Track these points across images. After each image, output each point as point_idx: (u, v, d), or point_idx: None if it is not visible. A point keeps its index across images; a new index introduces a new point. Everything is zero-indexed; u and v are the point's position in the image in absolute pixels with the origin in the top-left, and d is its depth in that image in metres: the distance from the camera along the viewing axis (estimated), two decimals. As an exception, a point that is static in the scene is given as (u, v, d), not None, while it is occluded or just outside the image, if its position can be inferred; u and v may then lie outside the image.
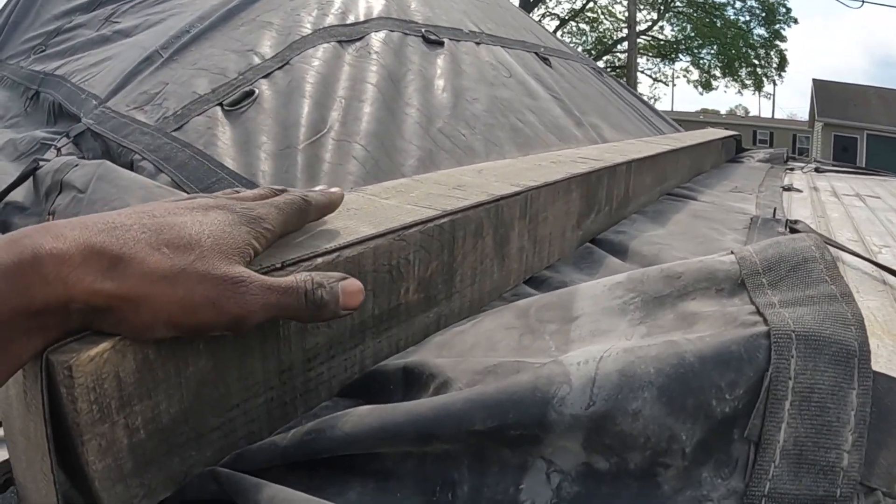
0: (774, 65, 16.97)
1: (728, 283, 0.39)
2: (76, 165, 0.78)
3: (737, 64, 16.87)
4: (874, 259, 0.87)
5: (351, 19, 1.12)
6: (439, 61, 1.16)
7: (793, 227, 1.00)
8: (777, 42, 16.63)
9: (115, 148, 0.84)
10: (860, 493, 0.30)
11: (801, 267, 0.38)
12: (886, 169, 2.54)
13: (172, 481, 0.35)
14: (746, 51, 16.67)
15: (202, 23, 1.07)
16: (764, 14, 16.12)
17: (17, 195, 0.83)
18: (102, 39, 1.28)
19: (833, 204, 1.46)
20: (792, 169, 2.17)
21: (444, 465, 0.34)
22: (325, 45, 1.02)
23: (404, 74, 1.06)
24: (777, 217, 1.10)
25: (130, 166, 0.80)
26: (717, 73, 17.45)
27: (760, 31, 16.53)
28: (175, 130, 0.83)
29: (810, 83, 16.20)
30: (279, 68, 0.94)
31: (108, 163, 0.77)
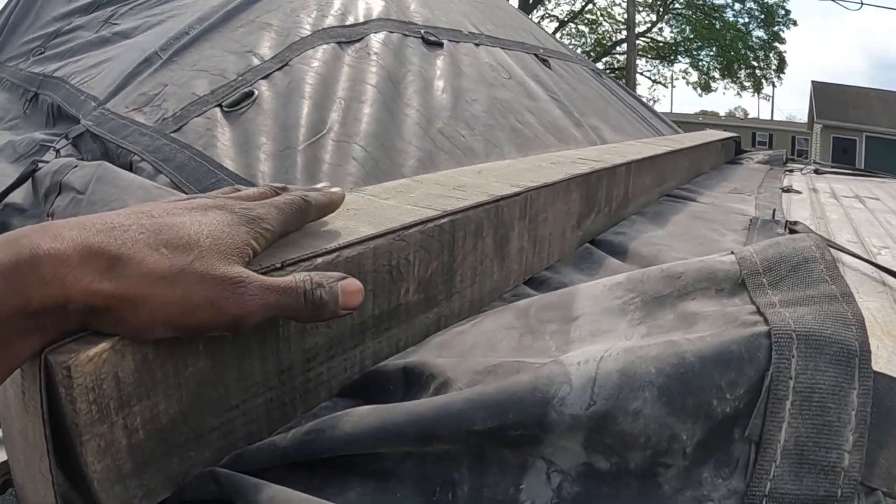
0: (773, 66, 17.00)
1: (728, 283, 0.39)
2: (75, 167, 0.78)
3: (736, 66, 16.90)
4: (874, 260, 0.87)
5: (350, 20, 1.12)
6: (439, 62, 1.16)
7: (792, 228, 1.00)
8: (776, 44, 16.66)
9: (115, 149, 0.84)
10: (861, 493, 0.30)
11: (801, 267, 0.38)
12: (885, 171, 2.54)
13: (171, 482, 0.35)
14: (745, 52, 16.70)
15: (201, 24, 1.07)
16: (763, 16, 16.15)
17: (16, 197, 0.82)
18: (101, 41, 1.28)
19: (832, 205, 1.46)
20: (791, 170, 2.17)
21: (444, 466, 0.34)
22: (325, 46, 1.02)
23: (404, 75, 1.06)
24: (776, 218, 1.10)
25: (129, 167, 0.80)
26: (716, 74, 17.48)
27: (759, 32, 16.57)
28: (174, 132, 0.83)
29: (809, 85, 16.24)
30: (278, 69, 0.94)
31: (107, 164, 0.77)
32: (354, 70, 1.00)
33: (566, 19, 16.95)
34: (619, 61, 16.61)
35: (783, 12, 16.18)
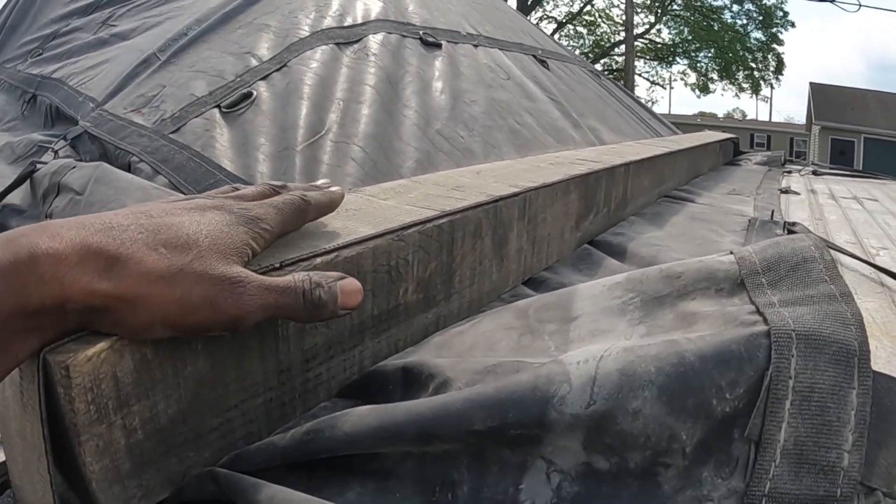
0: (771, 68, 17.02)
1: (727, 282, 0.39)
2: (73, 168, 0.77)
3: (734, 67, 16.91)
4: (872, 261, 0.88)
5: (349, 21, 1.12)
6: (437, 63, 1.16)
7: (791, 228, 1.00)
8: (774, 45, 16.68)
9: (113, 150, 0.84)
10: (860, 492, 0.30)
11: (800, 267, 0.38)
12: (884, 172, 2.55)
13: (170, 482, 0.34)
14: (743, 54, 16.71)
15: (199, 25, 1.07)
16: (761, 17, 16.16)
17: (15, 198, 0.82)
18: (99, 42, 1.28)
19: (831, 206, 1.46)
20: (789, 172, 2.18)
21: (444, 465, 0.34)
22: (323, 47, 1.02)
23: (402, 76, 1.06)
24: (775, 219, 1.10)
25: (128, 168, 0.80)
26: (715, 76, 17.48)
27: (757, 34, 16.58)
28: (173, 132, 0.83)
29: (807, 86, 16.26)
30: (277, 70, 0.94)
31: (106, 165, 0.77)
32: (353, 71, 1.00)
33: (564, 21, 16.96)
34: (617, 63, 16.63)
35: (781, 14, 16.20)
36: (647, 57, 17.64)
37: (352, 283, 0.37)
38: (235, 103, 0.87)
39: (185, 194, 0.72)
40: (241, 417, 0.38)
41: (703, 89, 17.87)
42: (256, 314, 0.33)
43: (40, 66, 1.32)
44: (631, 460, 0.32)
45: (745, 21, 16.46)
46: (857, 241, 1.06)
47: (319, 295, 0.35)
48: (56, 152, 0.91)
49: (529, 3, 14.93)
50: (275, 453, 0.35)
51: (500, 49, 1.41)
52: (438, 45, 1.21)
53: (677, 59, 17.54)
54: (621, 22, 15.75)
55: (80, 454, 0.30)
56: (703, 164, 1.75)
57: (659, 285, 0.41)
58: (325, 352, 0.42)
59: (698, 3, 16.37)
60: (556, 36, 15.73)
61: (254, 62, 0.95)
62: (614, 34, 17.09)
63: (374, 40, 1.10)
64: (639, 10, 15.91)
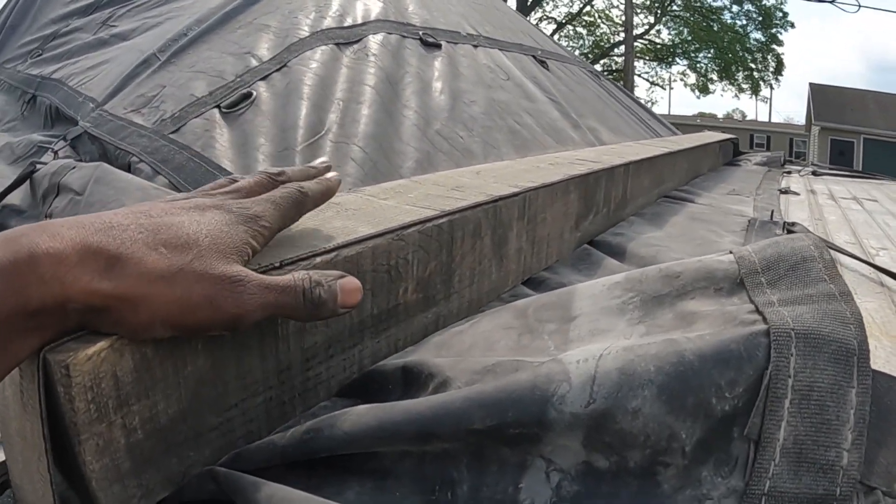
0: (771, 69, 17.02)
1: (727, 282, 0.39)
2: (73, 168, 0.77)
3: (734, 68, 16.91)
4: (871, 261, 0.88)
5: (348, 22, 1.12)
6: (437, 64, 1.16)
7: (790, 229, 1.00)
8: (774, 46, 16.68)
9: (113, 150, 0.84)
10: (860, 491, 0.30)
11: (799, 266, 0.38)
12: (883, 172, 2.55)
13: (170, 481, 0.34)
14: (743, 55, 16.72)
15: (199, 26, 1.07)
16: (760, 18, 16.17)
17: (14, 198, 0.82)
18: (99, 43, 1.28)
19: (830, 207, 1.46)
20: (789, 172, 2.18)
21: (443, 464, 0.34)
22: (323, 47, 1.02)
23: (402, 77, 1.06)
24: (775, 219, 1.10)
25: (128, 169, 0.80)
26: (714, 76, 17.49)
27: (757, 34, 16.59)
28: (172, 133, 0.83)
29: (807, 87, 16.27)
30: (277, 70, 0.94)
31: (106, 165, 0.77)
32: (352, 71, 1.00)
33: (564, 21, 16.96)
34: (617, 63, 16.64)
35: (781, 14, 16.21)
36: (647, 57, 17.65)
37: (351, 281, 0.38)
38: (235, 103, 0.87)
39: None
40: (241, 416, 0.38)
41: (703, 90, 17.88)
42: (256, 313, 0.33)
43: (40, 67, 1.32)
44: (630, 459, 0.32)
45: (744, 22, 16.48)
46: (856, 242, 1.06)
47: (319, 293, 0.36)
48: (56, 153, 0.91)
49: (529, 3, 14.94)
50: (274, 452, 0.35)
51: (499, 49, 1.42)
52: (438, 46, 1.21)
53: (677, 59, 17.55)
54: (621, 22, 15.77)
55: (80, 453, 0.30)
56: (703, 164, 1.75)
57: (658, 285, 0.41)
58: (324, 351, 0.42)
59: (698, 4, 16.38)
60: (556, 36, 15.73)
61: (254, 62, 0.95)
62: (614, 35, 17.11)
63: (374, 41, 1.10)
64: (638, 11, 15.93)
